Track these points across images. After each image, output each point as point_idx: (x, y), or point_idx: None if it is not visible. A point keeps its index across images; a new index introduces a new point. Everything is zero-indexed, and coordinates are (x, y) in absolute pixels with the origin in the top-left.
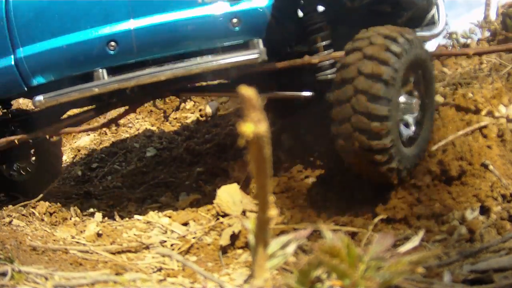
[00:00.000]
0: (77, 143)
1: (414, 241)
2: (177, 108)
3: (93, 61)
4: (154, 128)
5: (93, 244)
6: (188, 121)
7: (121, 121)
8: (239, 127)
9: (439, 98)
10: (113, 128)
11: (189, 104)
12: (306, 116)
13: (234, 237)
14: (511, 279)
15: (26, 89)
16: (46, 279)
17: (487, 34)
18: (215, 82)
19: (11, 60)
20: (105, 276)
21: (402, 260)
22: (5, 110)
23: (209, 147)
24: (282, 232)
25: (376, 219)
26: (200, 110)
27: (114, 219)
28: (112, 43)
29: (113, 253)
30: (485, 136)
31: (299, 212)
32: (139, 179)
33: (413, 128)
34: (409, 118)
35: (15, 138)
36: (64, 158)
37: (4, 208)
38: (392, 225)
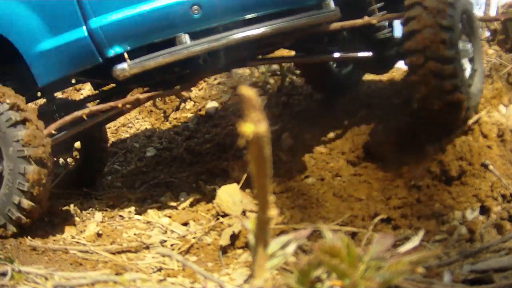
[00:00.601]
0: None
1: (414, 241)
2: (177, 108)
3: (176, 26)
4: (154, 128)
5: (93, 244)
6: (188, 121)
7: (121, 121)
8: (239, 127)
9: None
10: (113, 127)
11: (189, 104)
12: (306, 116)
13: (234, 237)
14: (511, 279)
15: (101, 60)
16: (46, 279)
17: (487, 34)
18: None
19: (83, 32)
20: (105, 276)
21: (402, 260)
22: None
23: (209, 147)
24: (282, 232)
25: (376, 219)
26: (200, 110)
27: (114, 219)
28: (196, 7)
29: (113, 253)
30: (485, 136)
31: (299, 212)
32: (139, 179)
33: (469, 69)
34: (466, 61)
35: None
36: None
37: None
38: (392, 225)
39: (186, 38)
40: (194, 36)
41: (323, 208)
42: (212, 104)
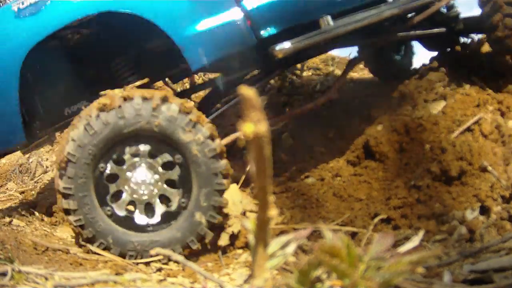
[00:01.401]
0: None
1: (414, 241)
2: None
3: (322, 8)
4: None
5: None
6: None
7: None
8: (239, 127)
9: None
10: None
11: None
12: (306, 116)
13: (234, 237)
14: (511, 279)
15: (256, 42)
16: (46, 279)
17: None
18: None
19: (239, 13)
20: (105, 276)
21: (402, 260)
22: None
23: None
24: (282, 232)
25: (376, 219)
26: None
27: None
28: None
29: (113, 253)
30: (485, 136)
31: (299, 212)
32: None
33: None
34: None
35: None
36: None
37: (4, 208)
38: (392, 225)
39: (329, 19)
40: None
41: (323, 208)
42: None
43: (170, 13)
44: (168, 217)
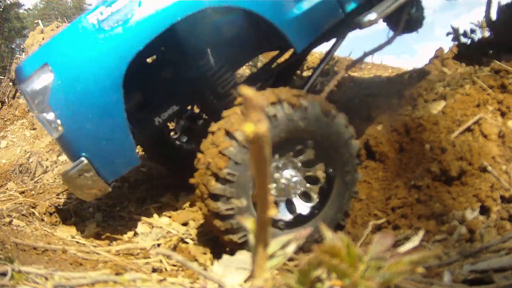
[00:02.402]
0: None
1: (414, 241)
2: None
3: None
4: None
5: (93, 244)
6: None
7: None
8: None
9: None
10: None
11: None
12: None
13: None
14: (511, 279)
15: (344, 15)
16: (46, 279)
17: (487, 34)
18: None
19: None
20: (105, 276)
21: (402, 260)
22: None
23: None
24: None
25: (376, 221)
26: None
27: (114, 219)
28: None
29: (113, 253)
30: (485, 136)
31: None
32: (139, 179)
33: None
34: None
35: None
36: (64, 157)
37: (4, 208)
38: (392, 225)
39: None
40: None
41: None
42: None
43: (271, 2)
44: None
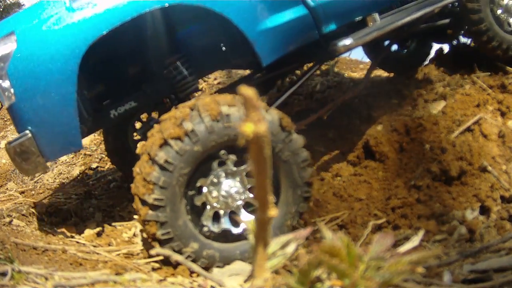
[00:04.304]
0: None
1: (414, 241)
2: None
3: (373, 5)
4: None
5: (93, 244)
6: None
7: None
8: (239, 127)
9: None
10: None
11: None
12: (306, 116)
13: None
14: (509, 278)
15: (318, 37)
16: (46, 279)
17: None
18: None
19: (305, 9)
20: (105, 276)
21: (402, 260)
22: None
23: None
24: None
25: (376, 221)
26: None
27: (114, 219)
28: None
29: (113, 253)
30: (485, 136)
31: None
32: None
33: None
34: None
35: None
36: (64, 158)
37: (4, 208)
38: (392, 225)
39: (377, 17)
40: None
41: (323, 208)
42: None
43: (243, 8)
44: None
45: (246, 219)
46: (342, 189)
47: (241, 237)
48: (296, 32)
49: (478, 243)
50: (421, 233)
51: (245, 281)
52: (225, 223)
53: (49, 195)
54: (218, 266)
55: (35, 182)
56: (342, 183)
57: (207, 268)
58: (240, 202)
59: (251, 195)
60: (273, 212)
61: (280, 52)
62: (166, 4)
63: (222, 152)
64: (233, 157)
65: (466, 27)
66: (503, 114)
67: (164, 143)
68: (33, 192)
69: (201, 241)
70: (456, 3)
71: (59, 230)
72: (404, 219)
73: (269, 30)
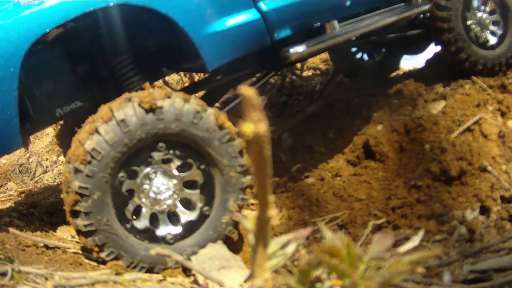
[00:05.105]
0: None
1: (414, 241)
2: None
3: (332, 12)
4: None
5: None
6: None
7: None
8: (239, 127)
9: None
10: None
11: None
12: (306, 116)
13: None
14: (509, 278)
15: (270, 43)
16: (46, 279)
17: None
18: None
19: (257, 13)
20: (105, 276)
21: (402, 260)
22: None
23: None
24: (282, 232)
25: (376, 221)
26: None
27: None
28: None
29: None
30: (485, 136)
31: (299, 212)
32: None
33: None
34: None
35: None
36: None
37: (4, 208)
38: (392, 225)
39: (336, 24)
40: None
41: (323, 208)
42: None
43: (190, 10)
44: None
45: (186, 217)
46: (342, 189)
47: (166, 239)
48: (245, 37)
49: (478, 243)
50: (421, 233)
51: (245, 281)
52: (146, 222)
53: (49, 195)
54: (143, 267)
55: (35, 182)
56: (342, 183)
57: (129, 266)
58: (170, 201)
59: (188, 191)
60: (273, 212)
61: (227, 58)
62: (111, 3)
63: (160, 145)
64: (169, 151)
65: (435, 36)
66: (503, 114)
67: (95, 131)
68: (33, 192)
69: (127, 237)
70: (427, 14)
71: (59, 230)
72: (404, 219)
73: (216, 34)
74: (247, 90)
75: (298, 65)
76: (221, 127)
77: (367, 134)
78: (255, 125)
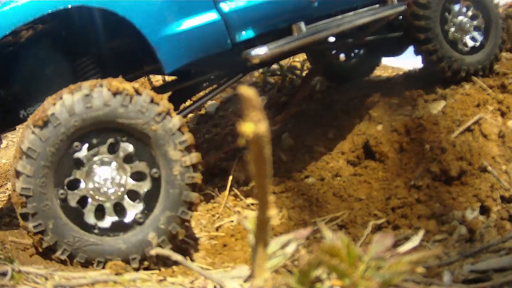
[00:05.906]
0: None
1: (414, 241)
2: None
3: (298, 14)
4: None
5: None
6: (188, 121)
7: None
8: (239, 127)
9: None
10: None
11: (188, 104)
12: (306, 116)
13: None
14: (509, 277)
15: (231, 45)
16: (46, 279)
17: None
18: None
19: (217, 14)
20: (105, 276)
21: (402, 260)
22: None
23: (208, 147)
24: (282, 232)
25: (376, 221)
26: (200, 110)
27: None
28: None
29: None
30: (485, 136)
31: (299, 212)
32: None
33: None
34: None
35: None
36: None
37: (4, 208)
38: (392, 225)
39: (303, 26)
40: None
41: (323, 208)
42: (212, 104)
43: (147, 11)
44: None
45: (132, 209)
46: (342, 189)
47: (116, 229)
48: (204, 39)
49: (478, 243)
50: (421, 233)
51: (245, 281)
52: (91, 216)
53: None
54: (99, 261)
55: None
56: (342, 183)
57: (87, 263)
58: (113, 191)
59: (133, 182)
60: (273, 212)
61: (184, 60)
62: (69, 6)
63: (93, 136)
64: (111, 140)
65: (414, 45)
66: (503, 114)
67: (29, 131)
68: None
69: (79, 233)
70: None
71: None
72: (404, 219)
73: (173, 35)
74: (247, 90)
75: (298, 65)
76: (181, 132)
77: (367, 134)
78: (255, 125)
